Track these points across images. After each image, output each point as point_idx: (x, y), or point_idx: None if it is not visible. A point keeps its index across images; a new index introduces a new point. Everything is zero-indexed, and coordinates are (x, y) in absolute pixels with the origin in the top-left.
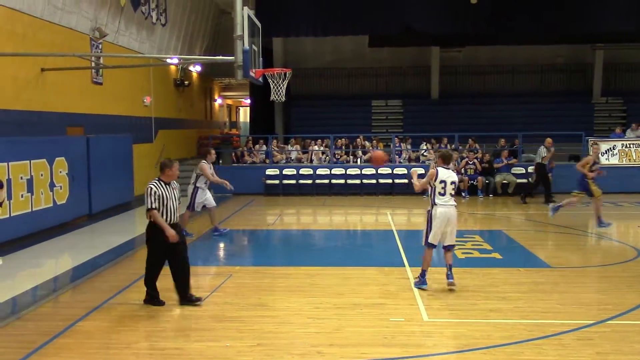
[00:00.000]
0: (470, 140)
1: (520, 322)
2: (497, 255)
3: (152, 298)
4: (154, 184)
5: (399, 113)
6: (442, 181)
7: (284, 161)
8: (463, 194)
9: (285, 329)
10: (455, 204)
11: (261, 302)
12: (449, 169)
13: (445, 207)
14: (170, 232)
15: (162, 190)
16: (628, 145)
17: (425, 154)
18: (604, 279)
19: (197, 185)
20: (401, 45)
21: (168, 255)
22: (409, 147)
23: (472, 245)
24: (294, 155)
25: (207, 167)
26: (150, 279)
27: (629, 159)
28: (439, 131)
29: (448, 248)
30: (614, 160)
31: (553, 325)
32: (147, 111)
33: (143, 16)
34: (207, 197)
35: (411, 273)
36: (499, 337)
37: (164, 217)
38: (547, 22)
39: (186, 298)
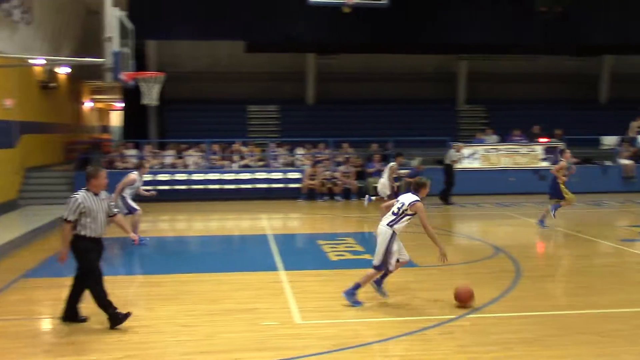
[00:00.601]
0: (344, 145)
1: (388, 320)
2: (368, 257)
3: (116, 317)
4: (81, 194)
5: (275, 118)
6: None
7: (159, 167)
8: (337, 198)
9: (155, 338)
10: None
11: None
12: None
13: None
14: (64, 252)
15: (91, 202)
16: (488, 150)
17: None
18: (466, 275)
19: (123, 194)
20: (278, 51)
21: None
22: (285, 152)
23: (345, 247)
24: (168, 160)
25: (133, 179)
26: (105, 297)
27: (489, 163)
28: (315, 136)
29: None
30: (476, 164)
31: (419, 322)
32: (9, 114)
33: (3, 14)
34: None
35: (285, 277)
36: (368, 336)
37: (91, 230)
38: (418, 32)
39: (74, 315)
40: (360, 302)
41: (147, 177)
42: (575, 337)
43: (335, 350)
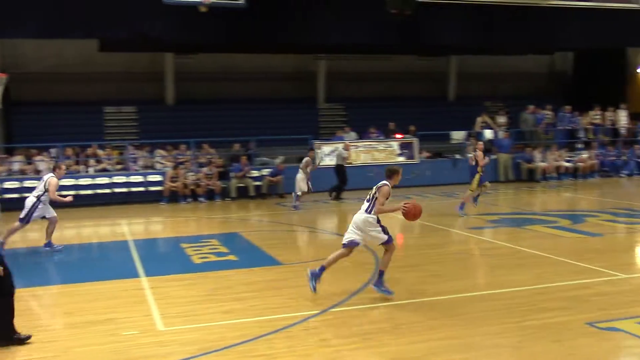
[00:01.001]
0: (205, 145)
1: (253, 320)
2: (232, 257)
3: (19, 340)
4: None
5: (133, 120)
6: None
7: (6, 174)
8: (200, 199)
9: (3, 357)
10: (362, 210)
11: None
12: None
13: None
14: None
15: None
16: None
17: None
18: (328, 270)
19: (41, 199)
20: (134, 50)
21: None
22: (145, 154)
23: (209, 249)
24: (16, 167)
25: (55, 183)
26: (10, 322)
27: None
28: (175, 138)
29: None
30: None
31: (283, 319)
32: None
33: None
34: (48, 209)
35: (147, 283)
36: (233, 337)
37: None
38: (276, 33)
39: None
40: (390, 290)
41: None
42: (428, 322)
43: (199, 355)
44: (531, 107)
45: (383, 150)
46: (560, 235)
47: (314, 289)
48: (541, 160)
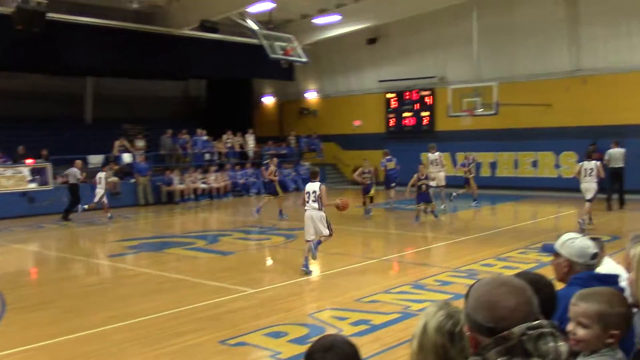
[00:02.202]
0: None
1: None
2: None
3: None
4: None
5: None
6: (307, 192)
7: None
8: None
9: None
10: (317, 207)
11: None
12: (314, 182)
13: (309, 210)
14: None
15: None
16: None
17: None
18: None
19: None
20: None
21: None
22: None
23: None
24: None
25: None
26: None
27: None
28: None
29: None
30: None
31: None
32: None
33: None
34: None
35: None
36: None
37: None
38: None
39: None
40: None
41: None
42: None
43: None
44: (169, 131)
45: (12, 177)
46: (197, 257)
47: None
48: (179, 183)
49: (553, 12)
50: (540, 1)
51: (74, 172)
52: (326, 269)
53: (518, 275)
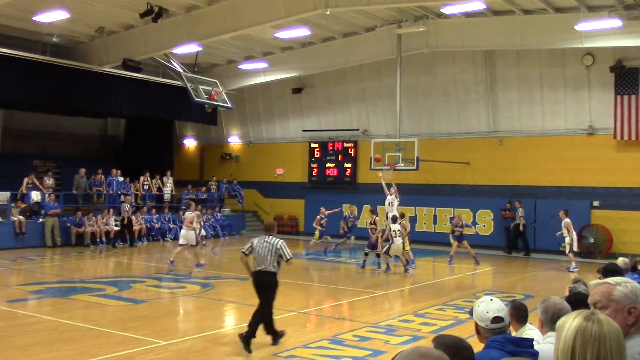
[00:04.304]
0: None
1: None
2: None
3: None
4: None
5: None
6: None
7: None
8: None
9: None
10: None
11: None
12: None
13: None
14: None
15: None
16: None
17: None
18: None
19: None
20: None
21: None
22: None
23: None
24: None
25: None
26: None
27: None
28: None
29: None
30: None
31: None
32: None
33: None
34: None
35: None
36: None
37: None
38: None
39: None
40: None
41: None
42: None
43: None
44: (82, 170)
45: None
46: (106, 304)
47: None
48: (91, 225)
49: (473, 75)
50: (461, 63)
51: None
52: (244, 321)
53: (437, 339)
